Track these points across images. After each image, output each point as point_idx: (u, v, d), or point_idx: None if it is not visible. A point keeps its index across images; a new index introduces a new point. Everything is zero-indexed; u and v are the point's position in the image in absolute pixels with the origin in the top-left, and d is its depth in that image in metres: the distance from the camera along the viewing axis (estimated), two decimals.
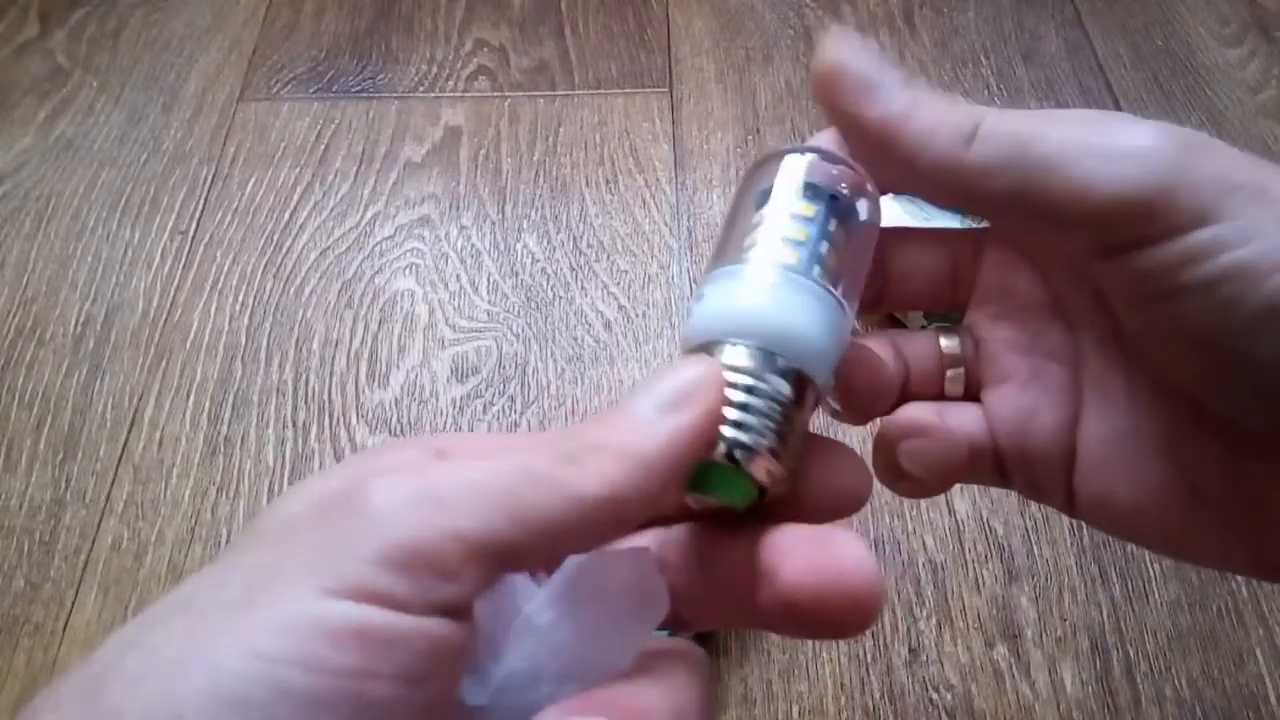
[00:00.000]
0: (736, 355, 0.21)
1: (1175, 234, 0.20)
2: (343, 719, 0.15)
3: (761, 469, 0.20)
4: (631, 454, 0.18)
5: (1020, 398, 0.25)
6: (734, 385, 0.20)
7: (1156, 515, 0.23)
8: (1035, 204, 0.21)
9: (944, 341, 0.26)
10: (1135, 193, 0.20)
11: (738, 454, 0.20)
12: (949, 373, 0.26)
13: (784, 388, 0.21)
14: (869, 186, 0.23)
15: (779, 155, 0.23)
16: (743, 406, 0.20)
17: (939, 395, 0.26)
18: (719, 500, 0.21)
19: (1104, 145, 0.20)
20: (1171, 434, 0.23)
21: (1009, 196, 0.21)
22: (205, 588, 0.17)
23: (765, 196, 0.23)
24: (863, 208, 0.23)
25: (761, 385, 0.21)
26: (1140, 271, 0.21)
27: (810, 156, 0.23)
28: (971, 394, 0.26)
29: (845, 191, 0.23)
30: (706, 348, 0.21)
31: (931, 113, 0.22)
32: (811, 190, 0.23)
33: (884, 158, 0.22)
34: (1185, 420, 0.23)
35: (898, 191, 0.24)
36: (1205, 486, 0.22)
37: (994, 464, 0.25)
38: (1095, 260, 0.22)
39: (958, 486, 0.59)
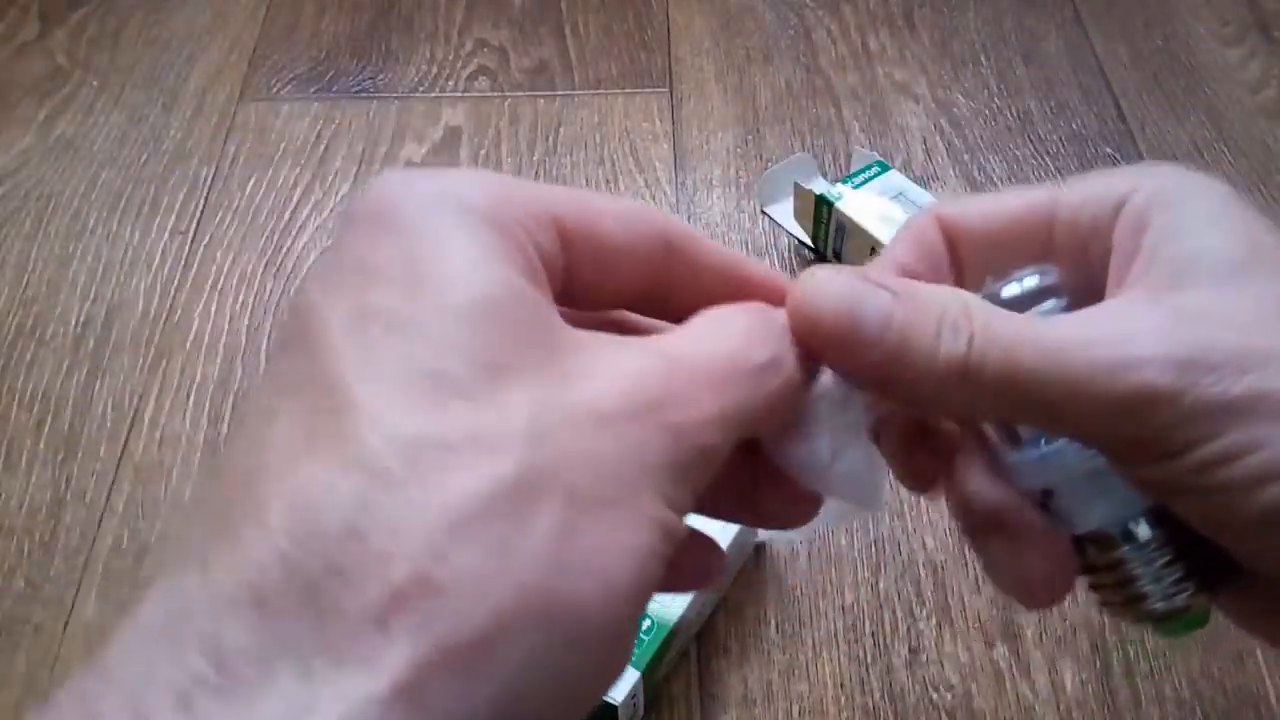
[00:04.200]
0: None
1: (1178, 453, 0.20)
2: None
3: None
4: None
5: None
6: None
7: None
8: (1038, 421, 0.23)
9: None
10: (1139, 431, 0.20)
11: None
12: None
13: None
14: None
15: None
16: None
17: None
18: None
19: (1105, 365, 0.20)
20: None
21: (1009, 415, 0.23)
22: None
23: None
24: None
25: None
26: (1143, 480, 0.21)
27: None
28: None
29: None
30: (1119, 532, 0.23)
31: (918, 353, 0.21)
32: None
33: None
34: None
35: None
36: None
37: None
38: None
39: None
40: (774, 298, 0.22)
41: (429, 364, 0.17)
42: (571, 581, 0.16)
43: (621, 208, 0.21)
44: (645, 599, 0.18)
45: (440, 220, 0.18)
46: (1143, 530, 0.23)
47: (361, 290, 0.18)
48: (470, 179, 0.19)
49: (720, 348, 0.20)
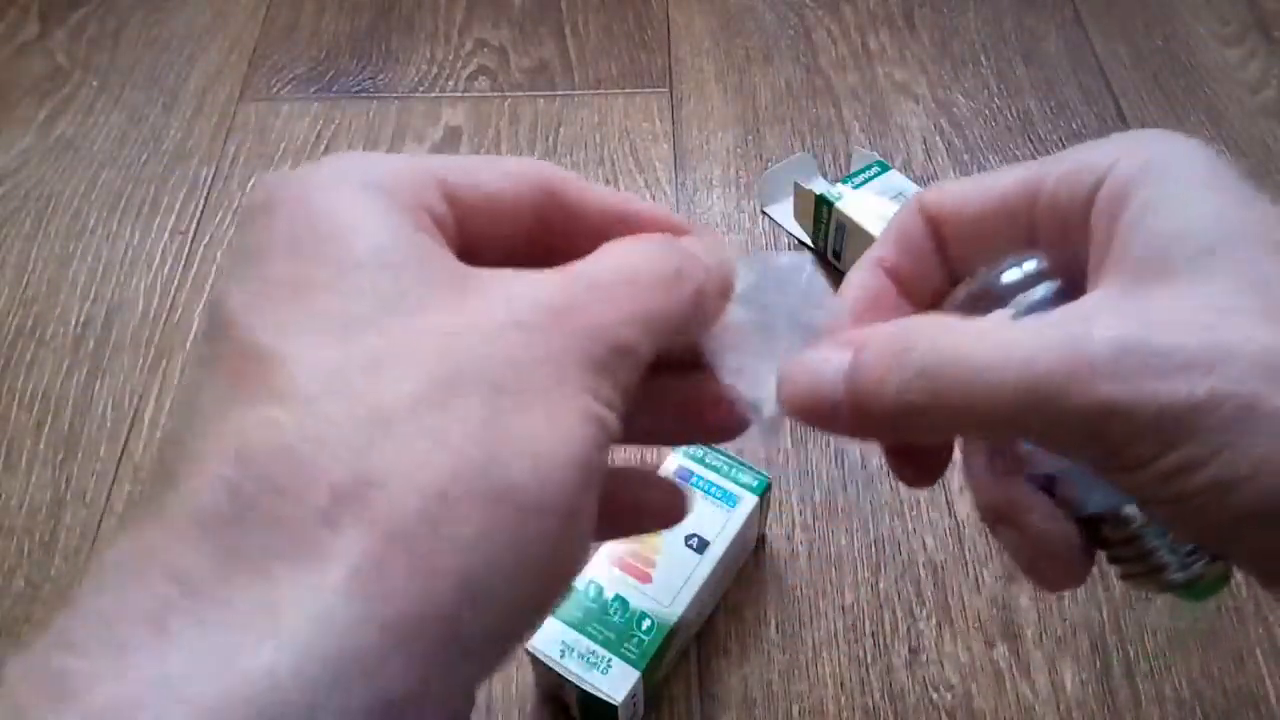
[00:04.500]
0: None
1: (1142, 465, 0.20)
2: None
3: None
4: None
5: None
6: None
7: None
8: (1015, 434, 0.23)
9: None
10: (1100, 445, 0.20)
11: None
12: None
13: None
14: None
15: None
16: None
17: None
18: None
19: (1057, 399, 0.20)
20: None
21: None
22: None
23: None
24: None
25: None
26: (1122, 485, 0.21)
27: None
28: None
29: None
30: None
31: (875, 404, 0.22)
32: None
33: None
34: None
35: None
36: None
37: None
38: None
39: (957, 487, 0.59)
40: (666, 232, 0.23)
41: (336, 310, 0.18)
42: (504, 461, 0.17)
43: (502, 164, 0.22)
44: (587, 483, 0.18)
45: (329, 195, 0.19)
46: None
47: (264, 269, 0.19)
48: (351, 159, 0.21)
49: (623, 261, 0.21)
